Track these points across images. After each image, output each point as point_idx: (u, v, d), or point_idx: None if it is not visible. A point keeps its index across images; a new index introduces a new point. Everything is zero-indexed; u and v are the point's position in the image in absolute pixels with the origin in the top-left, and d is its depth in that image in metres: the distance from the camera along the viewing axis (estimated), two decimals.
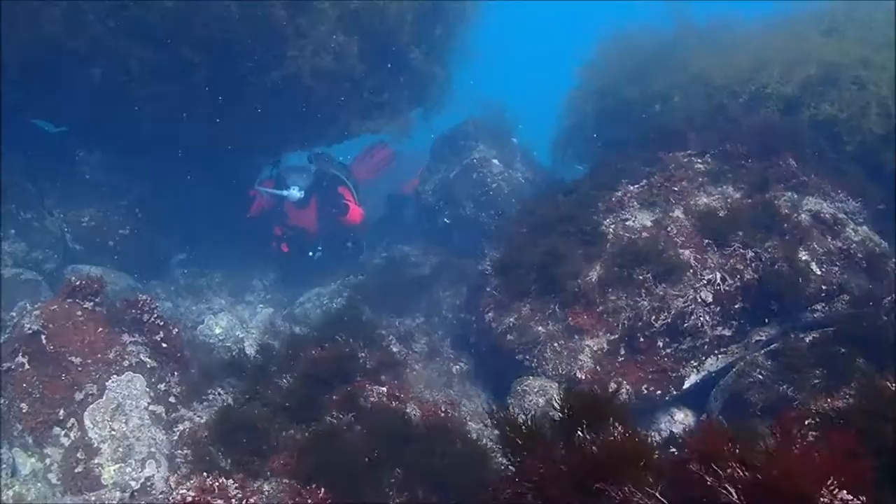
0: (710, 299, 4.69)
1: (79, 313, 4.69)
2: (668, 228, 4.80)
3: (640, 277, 4.72)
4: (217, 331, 6.25)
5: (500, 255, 5.59)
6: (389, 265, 8.73)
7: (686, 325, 4.63)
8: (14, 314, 6.26)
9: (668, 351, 4.77)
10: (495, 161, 8.97)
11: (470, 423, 4.71)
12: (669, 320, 4.63)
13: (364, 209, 9.31)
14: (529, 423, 2.54)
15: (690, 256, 4.74)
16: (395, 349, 5.57)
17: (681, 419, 5.10)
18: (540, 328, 4.95)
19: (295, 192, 8.32)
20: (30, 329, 4.51)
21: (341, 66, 7.09)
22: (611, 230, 5.04)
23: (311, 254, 8.76)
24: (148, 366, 4.71)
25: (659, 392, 4.79)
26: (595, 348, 4.82)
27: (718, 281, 4.62)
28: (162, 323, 4.93)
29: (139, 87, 7.06)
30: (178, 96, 7.07)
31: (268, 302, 8.56)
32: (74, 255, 8.29)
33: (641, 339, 4.72)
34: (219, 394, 4.53)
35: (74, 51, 6.78)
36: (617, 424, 2.30)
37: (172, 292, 8.79)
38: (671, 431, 5.03)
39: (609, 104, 7.28)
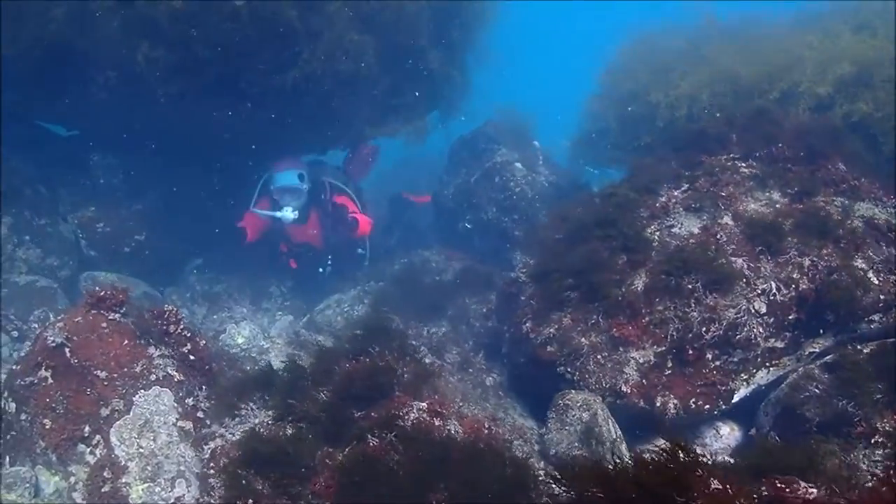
0: (763, 310, 4.48)
1: (104, 325, 4.50)
2: (718, 235, 4.60)
3: (690, 287, 4.52)
4: (239, 340, 6.06)
5: (536, 261, 5.39)
6: (409, 271, 8.53)
7: (738, 336, 4.42)
8: (36, 325, 6.09)
9: (718, 363, 4.57)
10: (518, 164, 8.76)
11: (515, 440, 4.53)
12: (721, 332, 4.42)
13: (369, 211, 9.06)
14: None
15: (743, 265, 4.54)
16: (427, 360, 5.38)
17: (727, 433, 4.90)
18: (582, 339, 4.75)
19: (288, 214, 7.93)
20: (53, 342, 4.31)
21: (356, 67, 6.90)
22: (656, 237, 4.84)
23: (320, 270, 8.52)
24: (175, 379, 4.52)
25: (707, 406, 4.59)
26: (641, 361, 4.62)
27: (774, 291, 4.42)
28: (189, 334, 4.74)
29: (154, 90, 6.88)
30: (192, 99, 6.89)
31: (286, 309, 8.36)
32: (89, 261, 8.12)
33: (690, 352, 4.51)
34: (250, 409, 4.32)
35: (85, 52, 6.61)
36: None
37: (188, 299, 8.61)
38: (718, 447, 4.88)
39: (633, 108, 7.08)
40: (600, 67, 8.90)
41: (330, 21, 6.63)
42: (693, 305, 4.50)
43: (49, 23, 6.26)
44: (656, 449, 4.70)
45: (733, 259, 4.53)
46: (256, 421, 4.27)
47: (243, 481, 3.49)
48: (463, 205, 9.20)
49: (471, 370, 5.61)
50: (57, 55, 6.47)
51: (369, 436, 3.72)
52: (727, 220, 4.74)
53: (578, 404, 4.58)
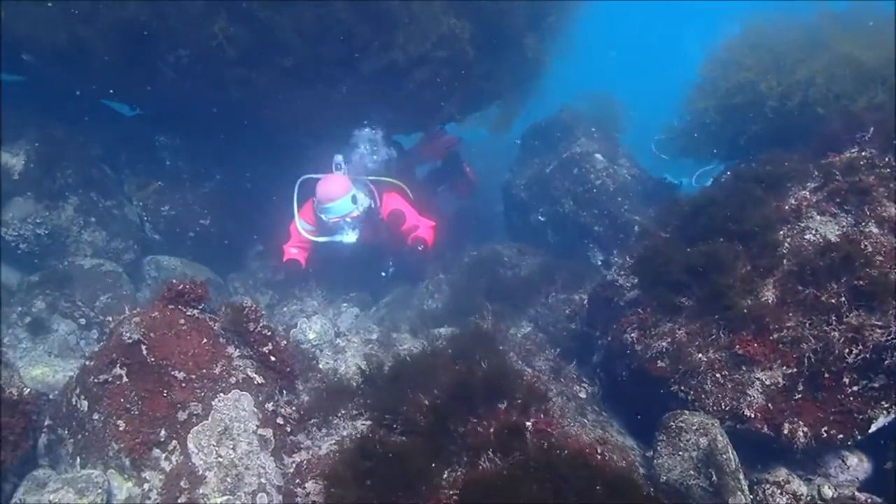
0: None
1: (182, 321, 4.18)
2: (863, 245, 4.06)
3: (831, 301, 4.00)
4: (311, 335, 5.71)
5: (640, 264, 4.91)
6: (480, 264, 8.11)
7: (887, 362, 3.90)
8: (101, 314, 5.84)
9: (855, 389, 4.05)
10: (598, 156, 8.26)
11: (619, 462, 4.10)
12: (867, 355, 3.91)
13: (422, 192, 8.45)
14: None
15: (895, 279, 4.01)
16: (518, 367, 4.98)
17: (854, 464, 4.40)
18: (699, 355, 4.27)
19: (350, 238, 7.25)
20: (129, 338, 4.00)
21: (452, 51, 6.49)
22: (787, 243, 4.32)
23: (382, 273, 8.00)
24: (255, 382, 4.18)
25: (841, 436, 4.09)
26: (768, 382, 4.12)
27: None
28: (269, 333, 4.39)
29: (228, 70, 6.56)
30: (267, 81, 6.56)
31: (352, 300, 8.01)
32: (153, 244, 7.90)
33: (826, 375, 4.01)
34: (340, 418, 3.96)
35: (157, 31, 6.31)
36: None
37: (251, 287, 8.35)
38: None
39: (739, 99, 6.52)
40: (686, 61, 8.47)
41: (428, 5, 6.31)
42: (834, 323, 3.98)
43: (128, 4, 5.96)
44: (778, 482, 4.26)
45: (886, 272, 3.98)
46: (345, 433, 3.92)
47: (344, 500, 3.11)
48: (536, 196, 8.75)
49: (562, 379, 5.17)
50: (132, 36, 6.18)
51: (484, 455, 3.32)
52: (872, 227, 4.19)
53: (694, 427, 4.12)
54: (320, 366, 5.31)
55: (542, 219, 8.61)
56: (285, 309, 7.32)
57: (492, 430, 3.50)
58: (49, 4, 6.08)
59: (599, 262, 7.89)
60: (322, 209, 7.10)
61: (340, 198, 7.02)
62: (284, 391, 4.30)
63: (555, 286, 7.03)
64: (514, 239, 9.22)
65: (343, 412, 3.95)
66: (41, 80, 7.65)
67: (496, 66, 7.51)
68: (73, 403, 4.18)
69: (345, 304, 7.86)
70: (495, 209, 11.17)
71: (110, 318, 5.87)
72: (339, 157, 7.37)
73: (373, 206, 7.48)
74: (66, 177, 7.15)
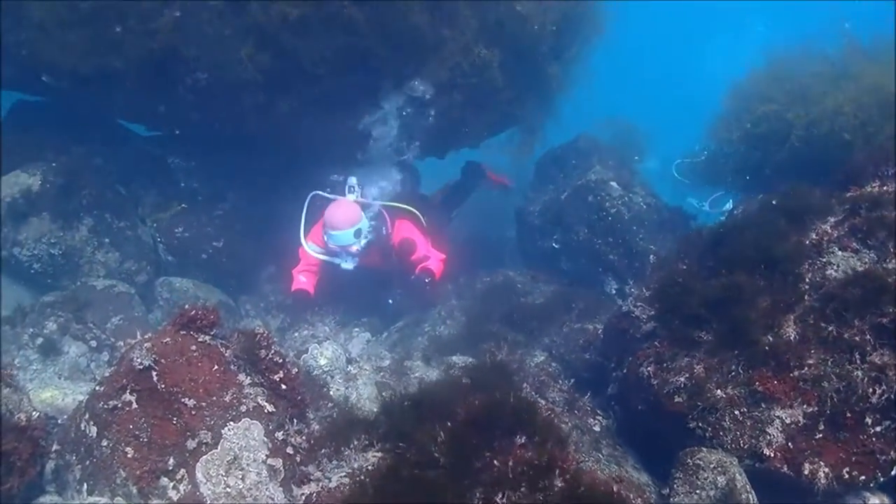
0: None
1: (193, 348, 4.14)
2: (886, 282, 3.98)
3: (854, 339, 3.92)
4: (322, 361, 5.66)
5: (657, 295, 4.84)
6: (493, 291, 8.05)
7: None
8: (113, 337, 5.82)
9: (879, 429, 3.95)
10: (614, 183, 8.21)
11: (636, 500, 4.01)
12: (891, 395, 3.82)
13: (434, 217, 8.21)
14: None
15: None
16: (533, 399, 4.89)
17: None
18: (718, 391, 4.19)
19: (348, 265, 7.21)
20: (140, 364, 3.96)
21: (482, 79, 6.61)
22: (808, 277, 4.25)
23: (390, 301, 7.94)
24: (266, 410, 4.13)
25: (863, 477, 3.98)
26: (788, 421, 4.03)
27: None
28: (280, 360, 4.34)
29: (248, 96, 6.60)
30: (287, 108, 6.60)
31: (363, 325, 7.95)
32: (166, 266, 7.90)
33: (848, 415, 3.92)
34: (351, 450, 3.90)
35: (184, 56, 6.37)
36: None
37: (262, 309, 8.33)
38: None
39: (764, 128, 6.51)
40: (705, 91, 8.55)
41: (460, 32, 6.63)
42: (857, 362, 3.90)
43: (157, 32, 6.12)
44: None
45: None
46: (356, 465, 3.85)
47: None
48: (550, 223, 8.71)
49: (577, 411, 5.09)
50: (160, 61, 6.27)
51: (500, 494, 3.25)
52: (893, 264, 4.12)
53: (712, 465, 4.03)
54: (332, 393, 5.26)
55: (556, 246, 8.55)
56: (296, 334, 7.28)
57: (510, 465, 3.42)
58: (78, 31, 6.18)
59: (614, 291, 7.82)
60: (327, 234, 7.08)
61: (344, 230, 6.96)
62: (295, 420, 4.24)
63: (569, 315, 6.96)
64: (527, 265, 9.17)
65: (354, 444, 3.88)
66: (59, 101, 7.73)
67: (521, 92, 7.59)
68: (82, 429, 4.13)
69: (356, 329, 7.82)
70: (508, 233, 11.15)
71: (121, 343, 5.88)
72: (353, 180, 7.29)
73: (384, 231, 7.39)
74: (81, 197, 7.18)
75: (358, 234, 7.02)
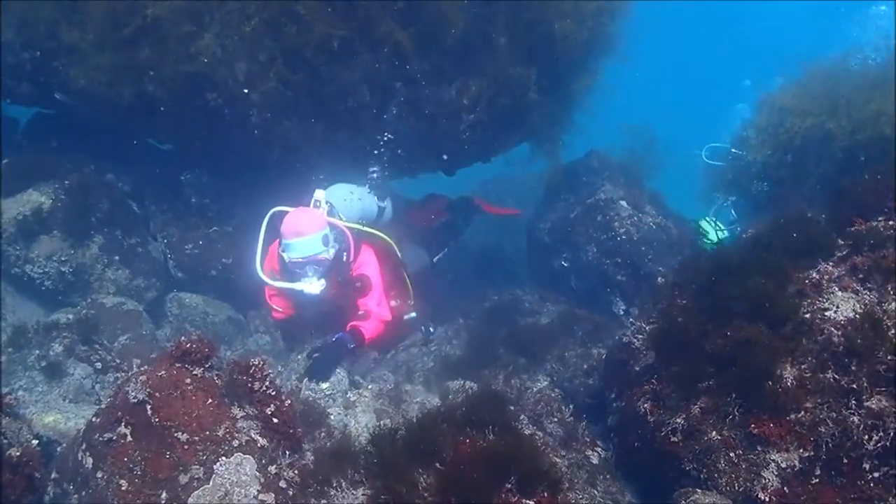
0: None
1: (188, 381, 4.18)
2: (884, 326, 3.91)
3: (852, 386, 3.85)
4: (324, 385, 5.65)
5: (656, 329, 4.79)
6: (500, 311, 8.03)
7: None
8: (119, 359, 5.89)
9: (876, 475, 3.87)
10: (623, 203, 8.17)
11: None
12: (887, 443, 3.74)
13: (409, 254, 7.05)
14: None
15: None
16: (527, 430, 4.88)
17: None
18: (713, 433, 4.14)
19: (314, 287, 5.82)
20: (135, 397, 4.01)
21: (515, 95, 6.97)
22: (807, 318, 4.18)
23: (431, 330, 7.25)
24: (258, 445, 4.15)
25: None
26: (784, 465, 3.97)
27: None
28: (274, 393, 4.36)
29: (249, 114, 6.70)
30: (299, 132, 6.72)
31: (416, 322, 7.88)
32: (176, 282, 7.98)
33: (845, 460, 3.85)
34: (339, 487, 3.91)
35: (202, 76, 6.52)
36: None
37: (271, 325, 8.36)
38: None
39: (801, 141, 6.49)
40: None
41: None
42: (854, 408, 3.83)
43: (192, 58, 6.38)
44: None
45: None
46: (346, 503, 3.86)
47: None
48: (560, 241, 8.68)
49: (575, 443, 5.06)
50: (194, 86, 6.58)
51: None
52: (894, 305, 4.03)
53: None
54: (331, 418, 5.27)
55: (565, 264, 8.53)
56: (299, 356, 7.30)
57: None
58: (106, 56, 6.35)
59: (621, 312, 7.78)
60: (285, 245, 5.77)
61: (310, 235, 5.69)
62: (288, 453, 4.26)
63: (574, 338, 6.93)
64: (536, 282, 9.15)
65: (342, 482, 3.89)
66: (73, 117, 7.83)
67: (549, 105, 7.70)
68: (79, 459, 4.19)
69: (418, 327, 7.70)
70: (523, 244, 11.12)
71: (125, 367, 5.95)
72: (320, 193, 6.19)
73: (345, 257, 6.04)
74: (92, 215, 7.29)
75: (326, 240, 5.80)
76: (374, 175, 7.15)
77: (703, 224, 7.98)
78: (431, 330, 7.33)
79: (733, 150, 7.99)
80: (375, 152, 7.31)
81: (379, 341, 6.34)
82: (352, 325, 5.93)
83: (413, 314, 6.69)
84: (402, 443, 3.98)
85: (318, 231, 5.75)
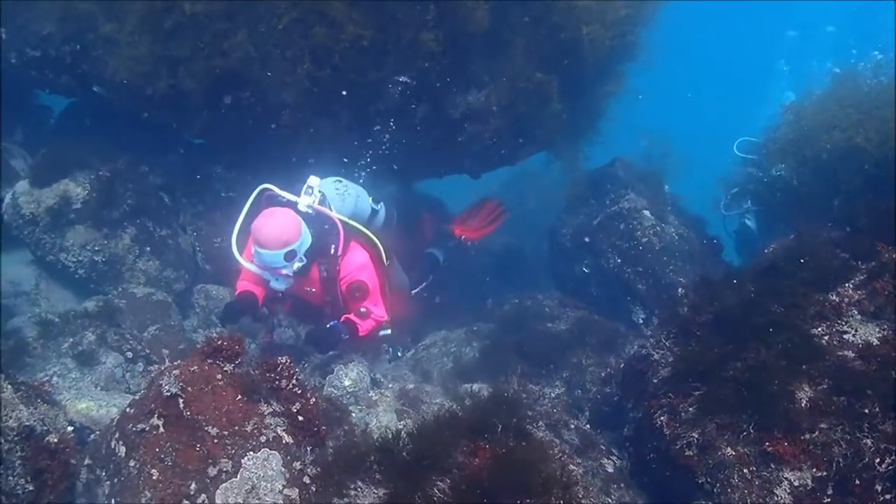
0: None
1: (219, 377, 4.34)
2: None
3: (865, 410, 3.92)
4: (346, 382, 5.80)
5: (675, 346, 4.89)
6: (520, 314, 8.12)
7: None
8: (148, 349, 6.07)
9: (888, 497, 3.94)
10: (646, 212, 8.22)
11: None
12: None
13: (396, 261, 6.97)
14: None
15: None
16: (543, 435, 4.98)
17: None
18: (728, 449, 4.23)
19: (279, 283, 5.88)
20: (168, 391, 4.17)
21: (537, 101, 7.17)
22: (823, 341, 4.25)
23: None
24: (284, 441, 4.30)
25: None
26: (796, 483, 4.05)
27: None
28: (300, 391, 4.52)
29: (289, 116, 6.84)
30: (328, 130, 6.85)
31: (388, 340, 8.08)
32: (204, 274, 8.15)
33: (857, 482, 3.92)
34: (358, 488, 4.04)
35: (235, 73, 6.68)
36: None
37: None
38: None
39: (826, 155, 6.53)
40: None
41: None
42: (867, 430, 3.90)
43: (226, 53, 6.56)
44: None
45: None
46: (367, 501, 4.00)
47: None
48: (582, 248, 8.75)
49: (591, 451, 5.15)
50: (226, 82, 6.75)
51: None
52: None
53: None
54: (353, 416, 5.41)
55: (586, 271, 8.60)
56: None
57: None
58: (143, 49, 6.55)
59: (641, 321, 7.85)
60: (253, 246, 5.73)
61: (273, 250, 5.55)
62: (310, 450, 4.40)
63: (592, 346, 7.01)
64: (557, 286, 9.23)
65: (360, 482, 4.02)
66: (108, 108, 8.00)
67: (570, 112, 7.79)
68: (112, 447, 4.36)
69: (383, 345, 7.94)
70: (541, 246, 11.20)
71: (154, 357, 6.13)
72: (313, 180, 6.03)
73: (332, 249, 5.89)
74: (125, 206, 7.46)
75: (290, 256, 5.61)
76: (365, 172, 7.29)
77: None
78: (399, 354, 7.44)
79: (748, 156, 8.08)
80: (396, 152, 7.46)
81: (371, 337, 6.37)
82: (345, 318, 6.08)
83: (388, 331, 6.48)
84: (413, 451, 4.08)
85: (282, 248, 5.55)
